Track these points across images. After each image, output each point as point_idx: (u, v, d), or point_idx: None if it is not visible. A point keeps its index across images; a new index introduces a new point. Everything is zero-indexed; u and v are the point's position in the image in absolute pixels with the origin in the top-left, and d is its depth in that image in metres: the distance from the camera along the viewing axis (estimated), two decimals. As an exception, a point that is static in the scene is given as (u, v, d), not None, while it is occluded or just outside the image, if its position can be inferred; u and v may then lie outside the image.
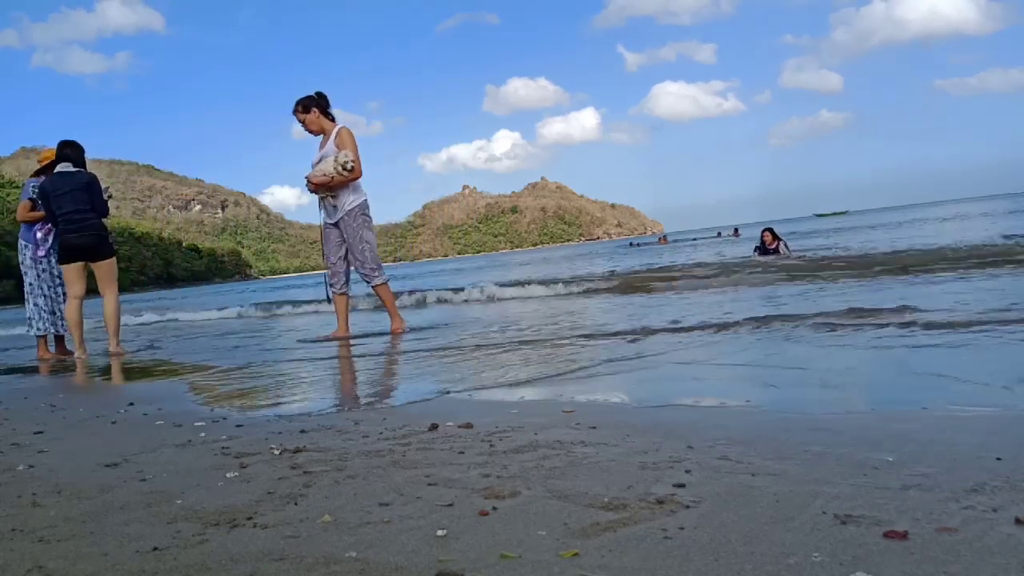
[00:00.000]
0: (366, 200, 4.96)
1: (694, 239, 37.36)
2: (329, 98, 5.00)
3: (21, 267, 5.76)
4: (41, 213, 5.51)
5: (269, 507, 1.26)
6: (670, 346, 3.21)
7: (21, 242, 5.76)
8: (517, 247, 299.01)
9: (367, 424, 1.99)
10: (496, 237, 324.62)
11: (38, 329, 5.72)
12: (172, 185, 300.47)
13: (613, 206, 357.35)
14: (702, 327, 3.71)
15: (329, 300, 5.16)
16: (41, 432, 2.20)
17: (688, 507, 1.13)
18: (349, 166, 4.74)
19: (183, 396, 2.98)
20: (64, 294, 5.63)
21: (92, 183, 5.32)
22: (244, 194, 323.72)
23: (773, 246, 10.31)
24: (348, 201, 4.89)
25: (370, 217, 5.00)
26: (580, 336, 3.87)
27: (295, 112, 4.97)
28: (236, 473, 1.52)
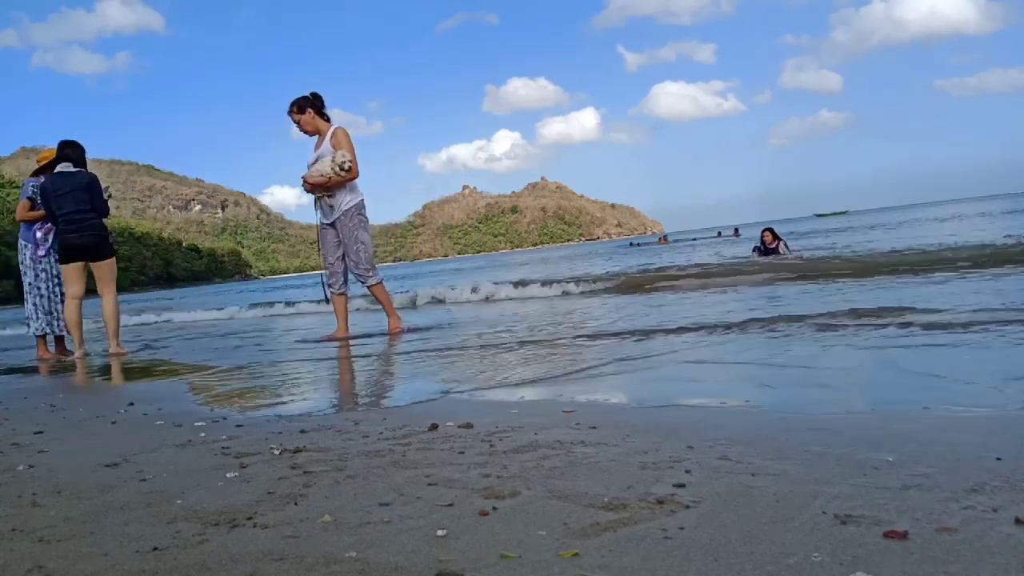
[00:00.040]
0: (362, 200, 4.97)
1: (694, 239, 37.37)
2: (324, 98, 5.00)
3: (21, 267, 5.76)
4: (40, 212, 5.52)
5: (269, 507, 1.26)
6: (670, 346, 3.21)
7: (21, 242, 5.76)
8: (517, 247, 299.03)
9: (367, 424, 1.99)
10: (496, 237, 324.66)
11: (36, 329, 5.72)
12: (172, 185, 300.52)
13: (613, 206, 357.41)
14: (702, 328, 3.71)
15: (327, 300, 5.16)
16: (41, 432, 2.20)
17: (688, 507, 1.13)
18: (347, 166, 4.74)
19: (183, 396, 2.98)
20: (62, 294, 5.63)
21: (92, 183, 5.32)
22: (244, 194, 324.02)
23: (773, 246, 10.33)
24: (345, 201, 4.89)
25: (366, 217, 5.00)
26: (579, 336, 3.87)
27: (290, 113, 4.98)
28: (236, 473, 1.52)
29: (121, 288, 5.79)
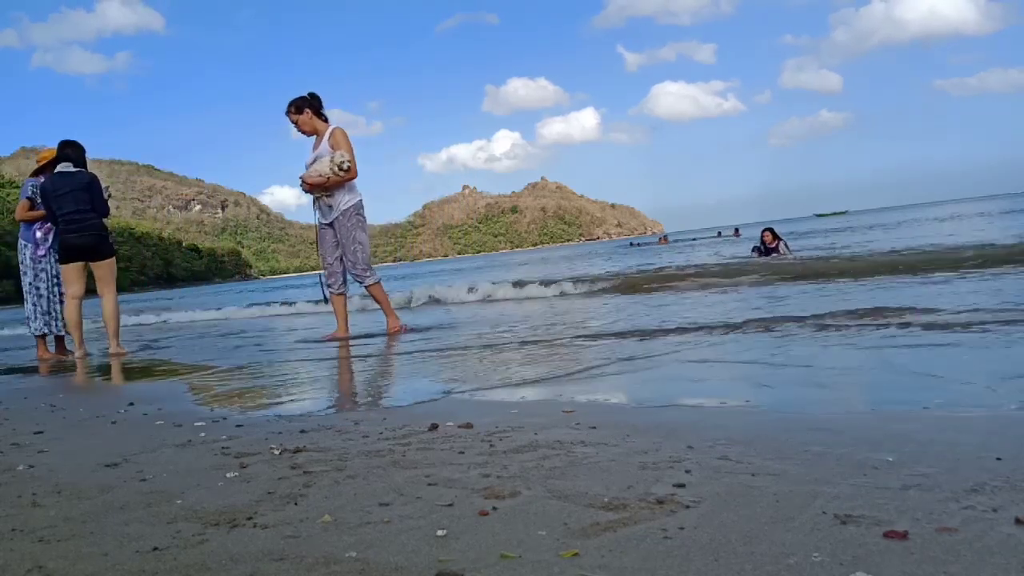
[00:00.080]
0: (361, 200, 4.97)
1: (694, 239, 37.36)
2: (322, 99, 5.00)
3: (20, 266, 5.76)
4: (39, 212, 5.51)
5: (269, 507, 1.26)
6: (670, 346, 3.21)
7: (21, 241, 5.76)
8: (517, 247, 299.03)
9: (367, 424, 1.99)
10: (496, 237, 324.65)
11: (36, 329, 5.72)
12: (172, 185, 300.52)
13: (613, 206, 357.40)
14: (702, 328, 3.71)
15: (326, 300, 5.16)
16: (41, 432, 2.20)
17: (688, 507, 1.13)
18: (345, 166, 4.74)
19: (183, 396, 2.98)
20: (62, 294, 5.63)
21: (93, 183, 5.32)
22: (244, 194, 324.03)
23: (773, 246, 10.35)
24: (343, 201, 4.89)
25: (364, 217, 5.00)
26: (579, 336, 3.87)
27: (288, 113, 4.98)
28: (236, 473, 1.52)
29: (121, 288, 5.79)
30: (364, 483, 1.38)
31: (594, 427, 1.75)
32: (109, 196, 5.54)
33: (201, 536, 1.13)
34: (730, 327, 3.60)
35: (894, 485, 1.17)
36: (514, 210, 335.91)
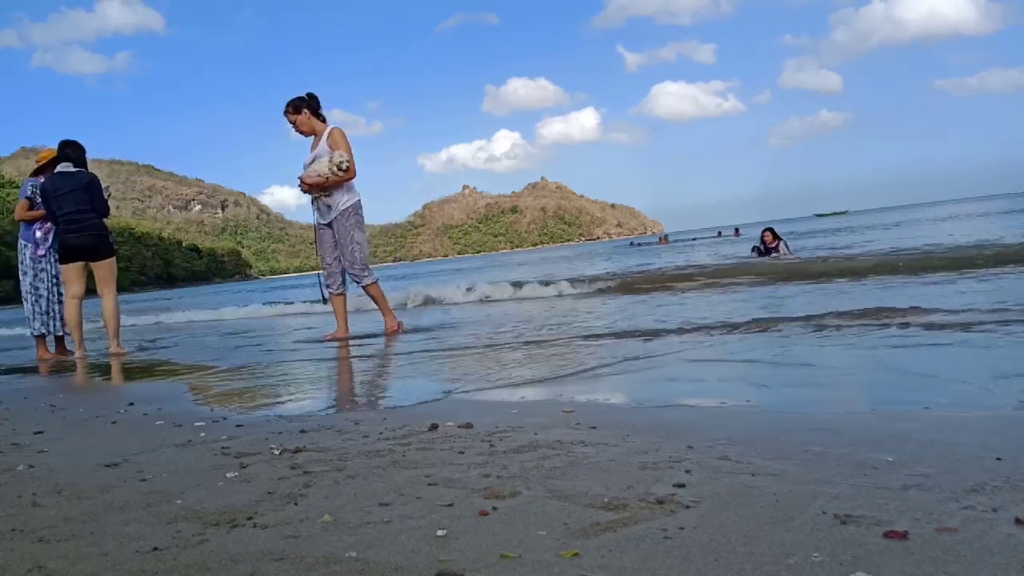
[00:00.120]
0: (359, 200, 4.97)
1: (694, 239, 37.35)
2: (320, 99, 5.00)
3: (20, 266, 5.76)
4: (39, 212, 5.51)
5: (269, 507, 1.26)
6: (670, 346, 3.21)
7: (21, 241, 5.76)
8: (517, 247, 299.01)
9: (367, 424, 1.99)
10: (496, 237, 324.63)
11: (35, 329, 5.72)
12: (172, 185, 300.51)
13: (613, 206, 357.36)
14: (702, 328, 3.71)
15: (325, 301, 5.16)
16: (41, 432, 2.20)
17: (688, 507, 1.13)
18: (344, 166, 4.75)
19: (183, 396, 2.98)
20: (61, 294, 5.63)
21: (93, 183, 5.32)
22: (244, 194, 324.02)
23: (773, 245, 10.37)
24: (342, 201, 4.89)
25: (362, 217, 5.00)
26: (579, 337, 3.87)
27: (285, 113, 4.98)
28: (236, 473, 1.52)
29: (121, 288, 5.79)
30: (364, 483, 1.38)
31: (594, 427, 1.75)
32: (109, 196, 5.54)
33: (201, 536, 1.13)
34: (730, 327, 3.60)
35: (894, 485, 1.17)
36: (514, 210, 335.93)
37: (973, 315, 3.23)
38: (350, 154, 4.81)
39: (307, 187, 4.89)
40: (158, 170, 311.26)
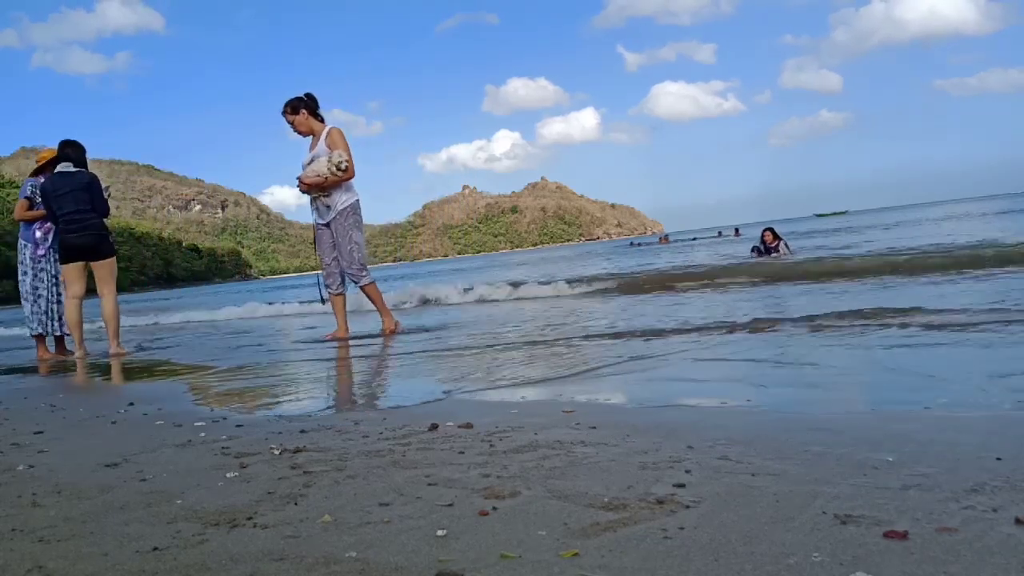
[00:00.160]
0: (358, 200, 4.97)
1: (694, 239, 37.34)
2: (318, 99, 5.00)
3: (20, 266, 5.76)
4: (38, 212, 5.51)
5: (269, 507, 1.26)
6: (670, 346, 3.21)
7: (21, 241, 5.76)
8: (517, 247, 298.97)
9: (367, 424, 1.99)
10: (496, 237, 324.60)
11: (35, 329, 5.71)
12: (172, 185, 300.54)
13: (613, 206, 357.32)
14: (702, 328, 3.71)
15: (324, 301, 5.16)
16: (41, 432, 2.20)
17: (688, 507, 1.13)
18: (343, 166, 4.75)
19: (183, 396, 2.98)
20: (60, 295, 5.62)
21: (93, 183, 5.32)
22: (244, 194, 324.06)
23: (774, 245, 10.37)
24: (341, 201, 4.89)
25: (361, 217, 5.01)
26: (579, 337, 3.87)
27: (284, 113, 4.98)
28: (236, 473, 1.52)
29: (121, 288, 5.79)
30: (364, 483, 1.38)
31: (594, 427, 1.75)
32: (109, 196, 5.54)
33: (201, 536, 1.13)
34: (730, 327, 3.60)
35: (894, 485, 1.17)
36: (514, 210, 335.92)
37: (973, 315, 3.23)
38: (349, 154, 4.82)
39: (306, 187, 4.89)
40: (158, 170, 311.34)
